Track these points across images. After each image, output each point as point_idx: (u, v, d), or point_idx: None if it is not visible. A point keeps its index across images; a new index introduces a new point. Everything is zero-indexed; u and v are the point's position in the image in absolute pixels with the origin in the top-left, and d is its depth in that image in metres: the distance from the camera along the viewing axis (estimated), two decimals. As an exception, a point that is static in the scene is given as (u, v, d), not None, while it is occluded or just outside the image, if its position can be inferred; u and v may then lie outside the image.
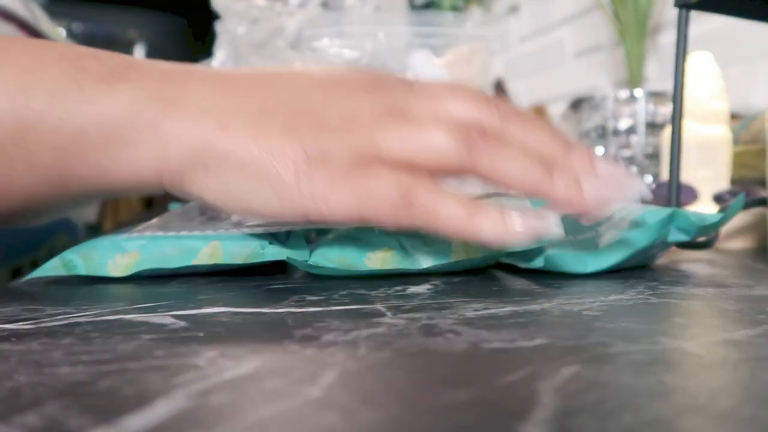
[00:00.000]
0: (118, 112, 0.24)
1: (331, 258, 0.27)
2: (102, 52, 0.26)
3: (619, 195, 0.23)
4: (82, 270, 0.28)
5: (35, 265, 0.50)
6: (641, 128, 0.64)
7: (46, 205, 0.27)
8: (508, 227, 0.22)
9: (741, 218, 0.39)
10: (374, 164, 0.23)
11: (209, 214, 0.31)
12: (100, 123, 0.24)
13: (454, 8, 1.58)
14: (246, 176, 0.23)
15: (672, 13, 0.90)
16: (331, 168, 0.23)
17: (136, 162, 0.24)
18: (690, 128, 0.44)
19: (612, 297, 0.22)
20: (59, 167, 0.25)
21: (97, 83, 0.24)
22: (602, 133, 0.66)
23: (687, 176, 0.44)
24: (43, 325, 0.18)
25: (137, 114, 0.24)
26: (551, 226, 0.22)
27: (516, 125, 0.23)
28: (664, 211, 0.27)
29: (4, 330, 0.18)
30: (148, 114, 0.24)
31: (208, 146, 0.23)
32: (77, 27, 1.80)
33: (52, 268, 0.28)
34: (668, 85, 0.84)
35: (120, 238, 0.28)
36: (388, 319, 0.19)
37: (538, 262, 0.27)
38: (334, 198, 0.23)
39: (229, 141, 0.23)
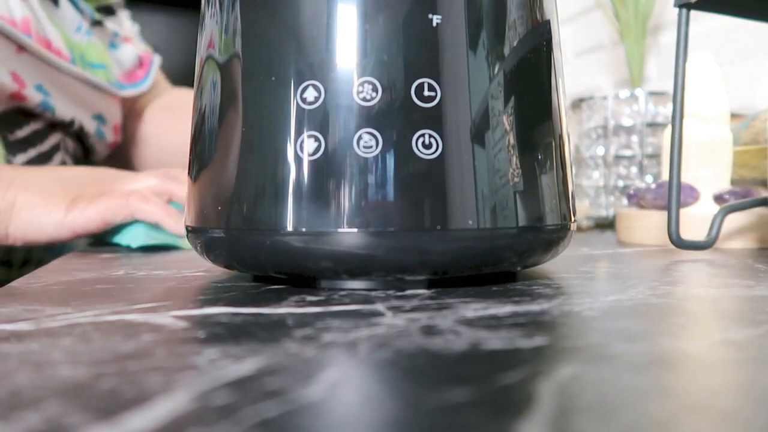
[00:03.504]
0: None
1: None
2: None
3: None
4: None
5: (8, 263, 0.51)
6: (641, 128, 0.64)
7: None
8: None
9: (741, 218, 0.39)
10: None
11: None
12: None
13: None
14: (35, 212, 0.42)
15: (672, 13, 0.90)
16: (81, 201, 0.42)
17: None
18: (690, 128, 0.44)
19: (612, 297, 0.22)
20: None
21: None
22: (602, 133, 0.66)
23: (687, 176, 0.44)
24: (43, 325, 0.18)
25: None
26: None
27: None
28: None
29: (4, 330, 0.18)
30: None
31: (10, 210, 0.41)
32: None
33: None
34: (668, 85, 0.84)
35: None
36: (388, 319, 0.19)
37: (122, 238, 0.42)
38: (87, 213, 0.42)
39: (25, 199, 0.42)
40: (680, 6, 0.33)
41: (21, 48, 0.49)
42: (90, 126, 0.58)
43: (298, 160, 0.23)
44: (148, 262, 0.34)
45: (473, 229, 0.23)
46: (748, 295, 0.23)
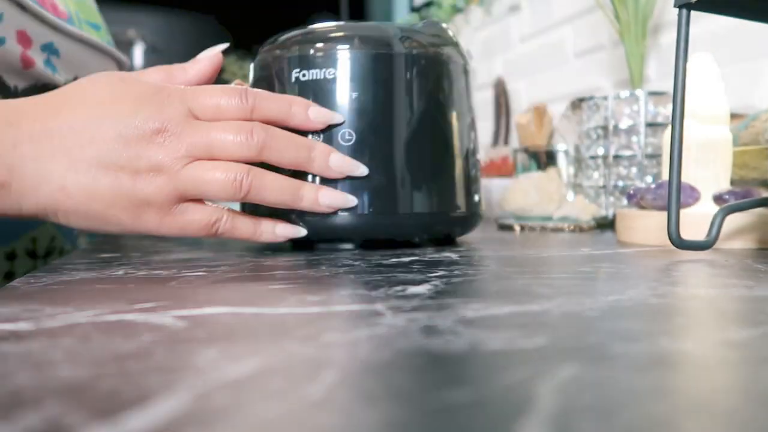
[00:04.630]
0: None
1: None
2: None
3: (343, 202, 0.37)
4: None
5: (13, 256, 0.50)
6: (641, 128, 0.64)
7: None
8: (278, 235, 0.37)
9: (741, 218, 0.39)
10: (181, 199, 0.34)
11: None
12: None
13: (455, 8, 1.58)
14: (92, 220, 0.33)
15: (672, 13, 0.90)
16: (155, 211, 0.33)
17: (1, 207, 0.32)
18: (690, 128, 0.44)
19: (612, 297, 0.22)
20: None
21: None
22: (602, 133, 0.66)
23: (687, 176, 0.44)
24: (43, 325, 0.18)
25: None
26: (298, 232, 0.38)
27: (271, 147, 0.35)
28: None
29: (4, 330, 0.18)
30: (1, 177, 0.31)
31: (55, 204, 0.32)
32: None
33: None
34: (668, 85, 0.84)
35: None
36: (388, 319, 0.19)
37: None
38: (164, 230, 0.34)
39: (71, 201, 0.32)
40: (680, 6, 0.33)
41: (22, 7, 0.44)
42: None
43: None
44: (148, 262, 0.34)
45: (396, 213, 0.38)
46: (748, 295, 0.23)
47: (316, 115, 0.37)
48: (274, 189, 0.35)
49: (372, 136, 0.38)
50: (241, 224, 0.36)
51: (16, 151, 0.31)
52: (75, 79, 0.51)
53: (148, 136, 0.33)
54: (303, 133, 0.37)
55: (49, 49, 0.47)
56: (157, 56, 2.38)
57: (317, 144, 0.37)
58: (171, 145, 0.33)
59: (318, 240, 0.40)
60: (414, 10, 1.88)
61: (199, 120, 0.34)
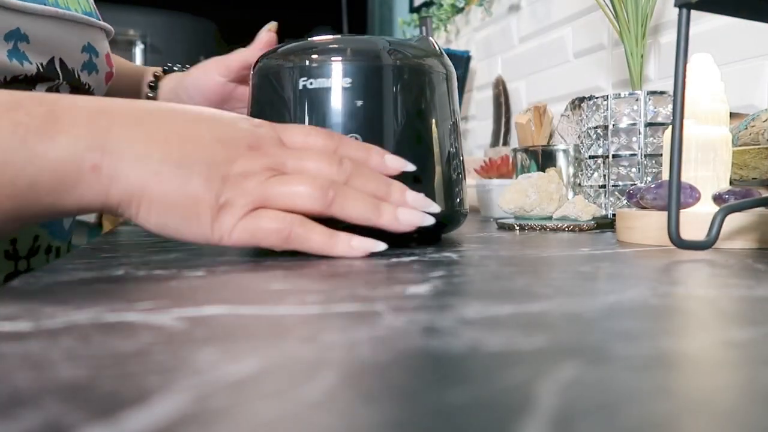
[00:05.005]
0: (64, 163, 0.29)
1: None
2: (21, 98, 0.30)
3: (420, 219, 0.37)
4: None
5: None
6: (641, 128, 0.64)
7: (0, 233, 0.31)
8: (354, 248, 0.35)
9: (741, 218, 0.39)
10: (262, 208, 0.33)
11: None
12: (50, 173, 0.29)
13: (455, 8, 1.58)
14: (175, 213, 0.31)
15: (672, 13, 0.91)
16: (233, 212, 0.32)
17: (82, 200, 0.30)
18: (690, 128, 0.44)
19: (612, 297, 0.22)
20: (16, 209, 0.29)
21: (38, 137, 0.29)
22: (602, 133, 0.66)
23: (687, 176, 0.44)
24: (42, 325, 0.18)
25: (80, 162, 0.29)
26: (376, 246, 0.35)
27: (357, 175, 0.36)
28: None
29: (4, 330, 0.18)
30: (88, 162, 0.29)
31: (145, 189, 0.31)
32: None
33: None
34: (668, 85, 0.84)
35: None
36: (389, 319, 0.19)
37: None
38: (235, 235, 0.32)
39: (162, 186, 0.31)
40: (680, 6, 0.33)
41: None
42: (75, 62, 0.51)
43: None
44: (148, 262, 0.34)
45: None
46: (748, 295, 0.23)
47: (392, 162, 0.38)
48: (357, 203, 0.35)
49: (364, 139, 0.41)
50: (316, 234, 0.34)
51: (111, 134, 0.30)
52: (51, 60, 0.49)
53: (242, 148, 0.33)
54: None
55: (15, 35, 0.45)
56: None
57: (394, 182, 0.37)
58: (264, 160, 0.33)
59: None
60: (414, 10, 1.88)
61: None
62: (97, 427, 0.11)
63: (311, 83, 0.42)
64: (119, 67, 0.64)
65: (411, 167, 0.39)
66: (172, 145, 0.31)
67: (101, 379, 0.13)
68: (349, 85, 0.42)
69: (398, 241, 0.43)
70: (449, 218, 0.45)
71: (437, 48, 0.46)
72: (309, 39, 0.45)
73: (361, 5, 2.32)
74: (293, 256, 0.35)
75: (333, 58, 0.42)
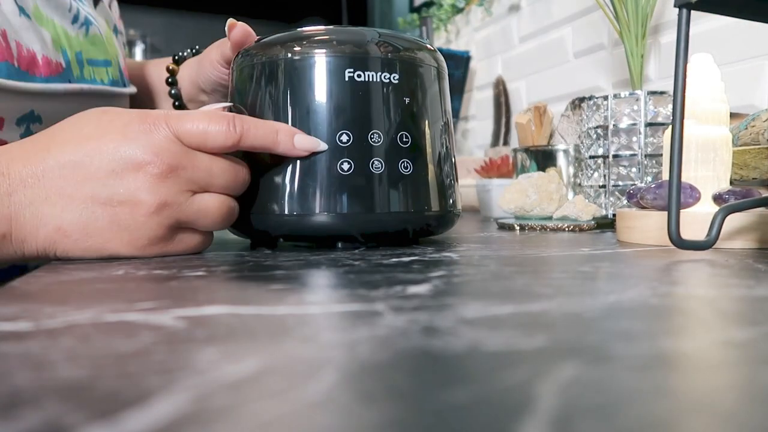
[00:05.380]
0: None
1: None
2: None
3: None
4: None
5: None
6: (641, 128, 0.64)
7: None
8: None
9: (741, 218, 0.39)
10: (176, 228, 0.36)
11: None
12: None
13: (455, 8, 1.58)
14: (94, 254, 0.35)
15: (672, 13, 0.90)
16: (151, 243, 0.35)
17: (4, 258, 0.34)
18: (690, 128, 0.44)
19: (612, 297, 0.22)
20: None
21: None
22: (602, 133, 0.66)
23: (687, 176, 0.44)
24: (42, 325, 0.18)
25: None
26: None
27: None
28: None
29: (4, 330, 0.18)
30: (1, 229, 0.32)
31: (54, 245, 0.34)
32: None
33: None
34: (668, 85, 0.84)
35: None
36: (388, 319, 0.19)
37: None
38: (161, 255, 0.36)
39: (69, 240, 0.34)
40: (680, 6, 0.33)
41: None
42: None
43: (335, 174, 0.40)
44: (148, 262, 0.34)
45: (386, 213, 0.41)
46: (748, 295, 0.23)
47: (301, 143, 0.39)
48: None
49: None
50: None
51: (12, 200, 0.32)
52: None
53: (139, 166, 0.34)
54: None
55: (27, 119, 0.45)
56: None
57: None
58: (162, 171, 0.34)
59: (298, 238, 0.42)
60: (414, 10, 1.88)
61: (185, 146, 0.36)
62: (97, 427, 0.11)
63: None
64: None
65: (323, 146, 0.39)
66: (70, 192, 0.33)
67: (101, 379, 0.13)
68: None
69: (398, 241, 0.43)
70: (443, 219, 0.44)
71: (428, 44, 0.45)
72: (298, 30, 0.43)
73: (360, 5, 2.32)
74: (293, 256, 0.35)
75: (317, 51, 0.40)
